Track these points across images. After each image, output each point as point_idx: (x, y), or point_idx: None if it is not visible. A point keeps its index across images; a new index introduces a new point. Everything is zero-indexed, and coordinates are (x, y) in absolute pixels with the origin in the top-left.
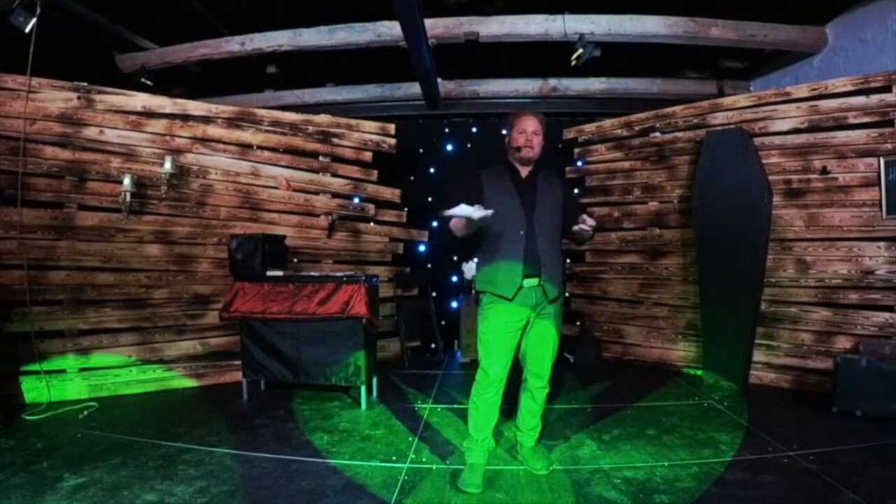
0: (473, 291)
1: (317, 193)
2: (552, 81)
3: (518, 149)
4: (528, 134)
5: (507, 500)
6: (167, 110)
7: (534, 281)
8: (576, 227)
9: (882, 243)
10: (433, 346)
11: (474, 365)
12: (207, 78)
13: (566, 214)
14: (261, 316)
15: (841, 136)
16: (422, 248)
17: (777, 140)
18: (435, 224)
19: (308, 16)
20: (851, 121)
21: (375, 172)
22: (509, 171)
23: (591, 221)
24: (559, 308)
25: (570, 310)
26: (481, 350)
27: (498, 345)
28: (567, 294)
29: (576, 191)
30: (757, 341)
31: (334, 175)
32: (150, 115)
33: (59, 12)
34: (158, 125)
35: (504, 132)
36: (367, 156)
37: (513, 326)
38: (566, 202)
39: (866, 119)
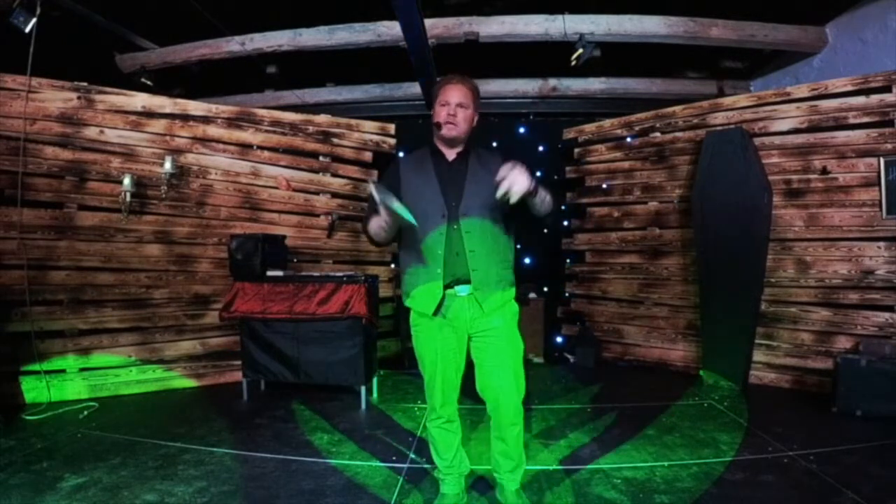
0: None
1: (317, 193)
2: (552, 81)
3: (438, 125)
4: (450, 106)
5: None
6: (167, 110)
7: (463, 289)
8: (497, 194)
9: (882, 243)
10: None
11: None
12: (207, 78)
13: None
14: (261, 316)
15: (841, 136)
16: None
17: (777, 140)
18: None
19: (308, 16)
20: (851, 121)
21: (375, 172)
22: (431, 155)
23: (513, 178)
24: (509, 320)
25: (570, 310)
26: (422, 372)
27: (434, 369)
28: (567, 294)
29: (538, 174)
30: (757, 341)
31: (334, 175)
32: (150, 115)
33: (59, 12)
34: (158, 125)
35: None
36: (367, 156)
37: (447, 347)
38: None
39: (866, 119)
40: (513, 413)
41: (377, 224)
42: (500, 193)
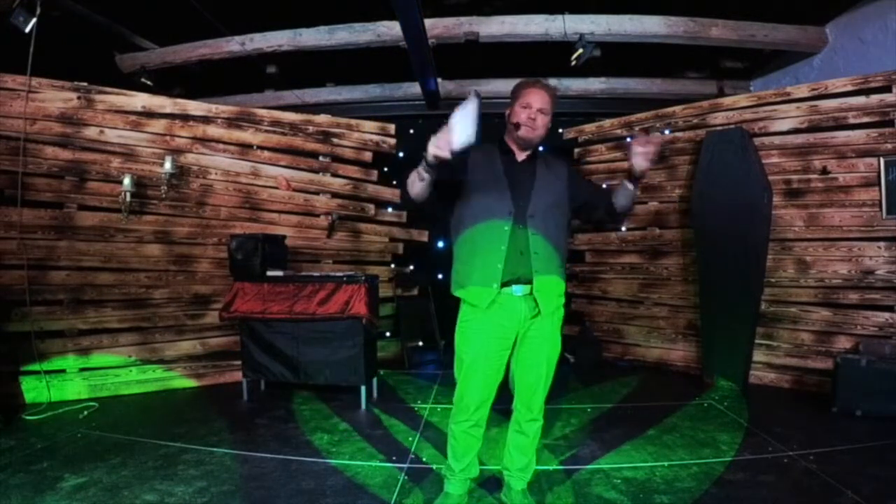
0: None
1: (317, 193)
2: (552, 81)
3: (517, 125)
4: (531, 110)
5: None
6: (167, 110)
7: (524, 289)
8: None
9: (882, 243)
10: (433, 345)
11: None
12: (207, 78)
13: (580, 196)
14: (261, 316)
15: (841, 136)
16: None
17: (777, 140)
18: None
19: (308, 16)
20: (851, 121)
21: (375, 172)
22: (500, 152)
23: (646, 154)
24: (556, 323)
25: (570, 310)
26: (456, 369)
27: (476, 367)
28: (570, 293)
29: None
30: (757, 341)
31: (334, 175)
32: (150, 115)
33: (59, 12)
34: (158, 125)
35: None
36: (367, 156)
37: (497, 345)
38: (574, 187)
39: (866, 119)
40: (537, 409)
41: (420, 186)
42: (635, 160)
